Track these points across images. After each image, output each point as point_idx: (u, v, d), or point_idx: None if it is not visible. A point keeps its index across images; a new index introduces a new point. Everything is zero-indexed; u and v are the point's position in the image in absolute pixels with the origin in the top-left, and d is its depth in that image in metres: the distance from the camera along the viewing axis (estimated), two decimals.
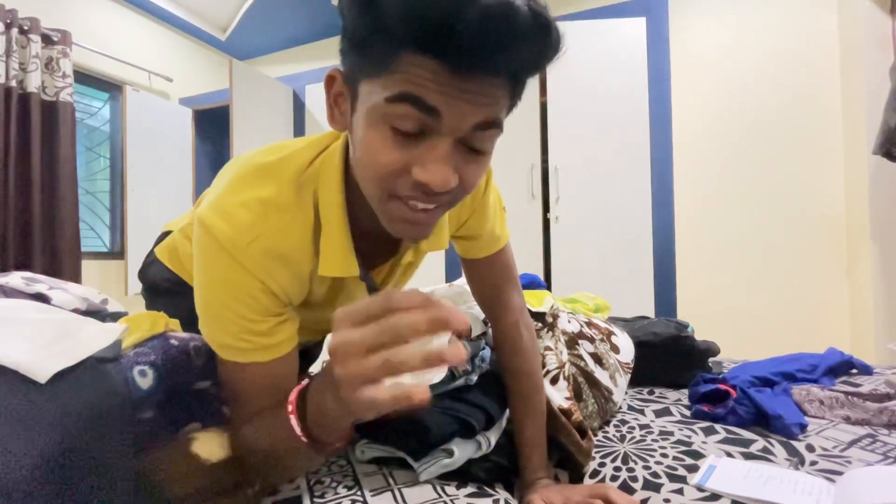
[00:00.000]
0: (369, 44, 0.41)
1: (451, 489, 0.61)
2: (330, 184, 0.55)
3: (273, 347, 0.54)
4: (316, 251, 0.56)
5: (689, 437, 0.82)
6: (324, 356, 1.05)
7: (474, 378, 0.72)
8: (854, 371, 1.20)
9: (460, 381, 0.70)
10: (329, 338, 0.38)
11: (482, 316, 0.82)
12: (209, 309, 0.54)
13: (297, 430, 0.45)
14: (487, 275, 0.75)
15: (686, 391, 1.05)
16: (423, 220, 0.48)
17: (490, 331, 0.83)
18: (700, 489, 0.64)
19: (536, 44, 0.40)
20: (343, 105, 0.48)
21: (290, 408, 0.46)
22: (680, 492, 0.64)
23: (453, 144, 0.43)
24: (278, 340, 0.55)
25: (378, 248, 0.64)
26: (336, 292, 0.64)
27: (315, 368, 1.07)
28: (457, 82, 0.40)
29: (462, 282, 0.90)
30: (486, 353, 0.78)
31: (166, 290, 0.81)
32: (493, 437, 0.68)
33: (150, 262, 0.86)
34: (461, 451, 0.63)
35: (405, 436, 0.65)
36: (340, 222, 0.55)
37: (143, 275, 0.87)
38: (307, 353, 0.97)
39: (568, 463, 0.74)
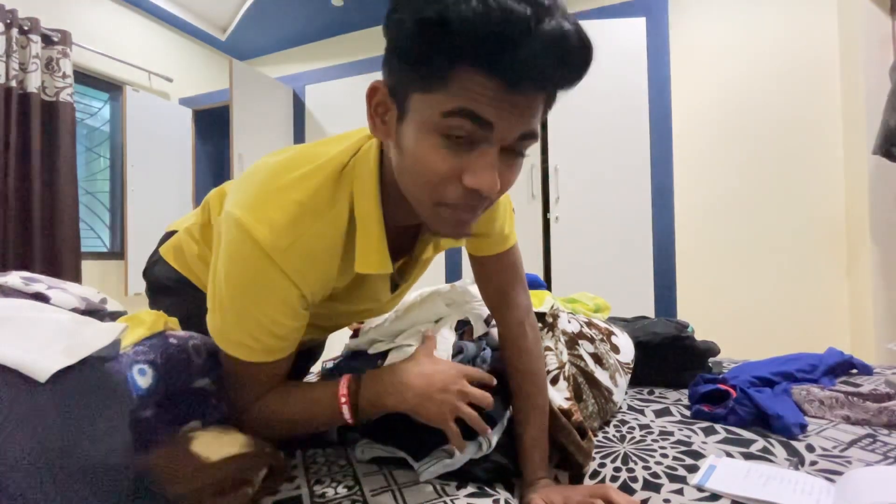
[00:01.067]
0: (424, 61, 0.44)
1: (451, 489, 0.61)
2: (365, 186, 0.57)
3: (280, 351, 0.59)
4: (346, 250, 0.59)
5: (689, 437, 0.82)
6: (325, 356, 1.05)
7: None
8: (854, 371, 1.20)
9: None
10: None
11: (485, 316, 0.82)
12: (233, 307, 0.56)
13: (348, 416, 0.60)
14: (495, 273, 0.76)
15: (686, 391, 1.05)
16: (468, 220, 0.53)
17: (492, 331, 0.83)
18: (700, 489, 0.64)
19: (580, 63, 0.44)
20: (387, 116, 0.51)
21: (343, 399, 0.59)
22: (680, 492, 0.64)
23: (499, 152, 0.47)
24: (287, 345, 0.60)
25: (399, 243, 0.66)
26: (357, 285, 0.66)
27: (314, 368, 1.07)
28: (509, 97, 0.44)
29: (463, 283, 0.90)
30: (488, 353, 0.78)
31: (171, 290, 0.82)
32: (494, 437, 0.68)
33: (155, 261, 0.86)
34: (462, 452, 0.63)
35: (405, 436, 0.65)
36: (377, 222, 0.58)
37: (147, 274, 0.88)
38: (309, 353, 0.97)
39: (568, 463, 0.74)
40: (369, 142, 0.60)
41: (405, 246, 0.69)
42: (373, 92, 0.51)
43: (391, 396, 0.59)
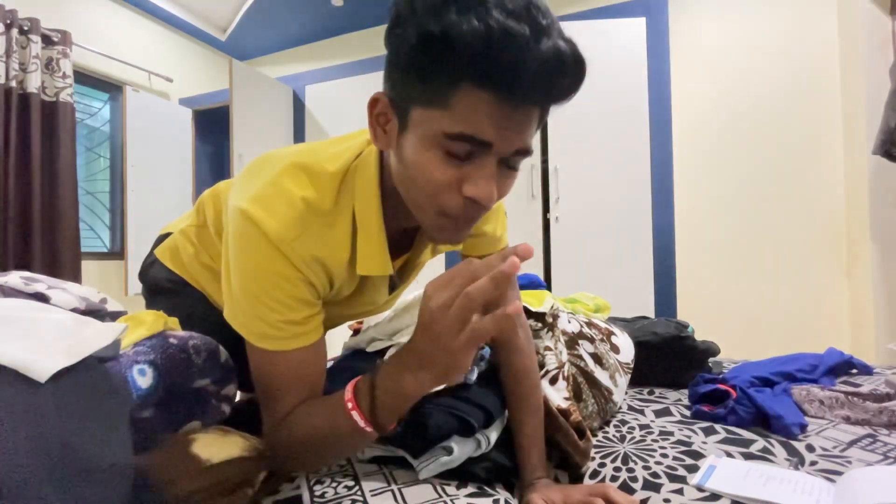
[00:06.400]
0: (426, 77, 0.46)
1: (451, 489, 0.61)
2: (367, 190, 0.59)
3: (305, 336, 0.59)
4: (351, 253, 0.60)
5: (689, 437, 0.82)
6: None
7: (473, 377, 0.72)
8: (854, 371, 1.20)
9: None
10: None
11: None
12: (247, 298, 0.56)
13: (361, 422, 0.52)
14: None
15: (686, 391, 1.05)
16: (466, 229, 0.55)
17: None
18: (700, 489, 0.64)
19: (574, 80, 0.46)
20: (387, 126, 0.53)
21: (349, 405, 0.52)
22: (680, 492, 0.64)
23: (497, 164, 0.49)
24: (310, 329, 0.59)
25: (398, 245, 0.68)
26: (361, 288, 0.67)
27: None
28: (507, 115, 0.46)
29: None
30: (486, 351, 0.78)
31: (168, 291, 0.83)
32: (492, 435, 0.68)
33: (151, 263, 0.87)
34: (460, 449, 0.63)
35: (404, 434, 0.65)
36: (378, 226, 0.59)
37: (143, 276, 0.88)
38: None
39: (568, 463, 0.74)
40: (369, 147, 0.61)
41: (403, 247, 0.71)
42: (374, 103, 0.53)
43: (407, 374, 0.50)
